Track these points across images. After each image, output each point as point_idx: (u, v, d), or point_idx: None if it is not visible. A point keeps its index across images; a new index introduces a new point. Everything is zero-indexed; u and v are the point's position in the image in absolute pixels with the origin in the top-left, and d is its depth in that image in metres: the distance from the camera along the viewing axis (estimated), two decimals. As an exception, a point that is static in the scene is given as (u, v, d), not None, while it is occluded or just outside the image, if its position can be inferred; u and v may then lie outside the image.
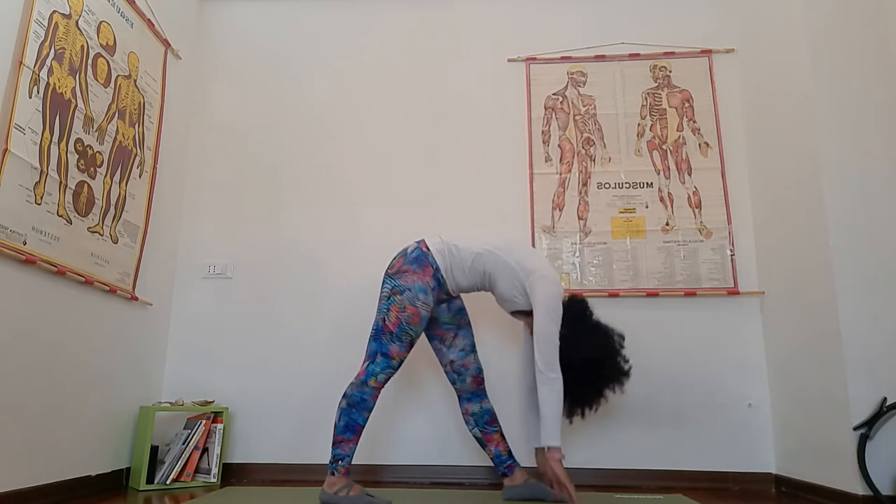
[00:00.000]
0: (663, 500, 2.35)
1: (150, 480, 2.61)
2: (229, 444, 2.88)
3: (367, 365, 2.18)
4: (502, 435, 2.37)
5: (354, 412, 2.15)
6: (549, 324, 2.14)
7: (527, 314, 2.32)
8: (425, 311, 2.20)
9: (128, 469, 2.68)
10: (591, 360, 2.19)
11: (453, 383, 2.37)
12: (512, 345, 2.91)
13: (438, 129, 3.20)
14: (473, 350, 2.39)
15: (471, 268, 2.26)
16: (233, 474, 2.84)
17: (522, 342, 2.50)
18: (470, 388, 2.35)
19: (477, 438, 2.37)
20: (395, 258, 2.29)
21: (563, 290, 2.26)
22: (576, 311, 2.27)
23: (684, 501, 2.34)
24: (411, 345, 2.21)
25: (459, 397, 2.39)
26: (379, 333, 2.20)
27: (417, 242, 2.30)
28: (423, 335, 2.44)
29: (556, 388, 2.10)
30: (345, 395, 2.17)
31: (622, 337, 2.32)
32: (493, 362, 2.89)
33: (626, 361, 2.29)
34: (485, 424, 2.35)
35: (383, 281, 2.27)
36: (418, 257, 2.24)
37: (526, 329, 2.43)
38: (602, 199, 3.05)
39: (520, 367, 2.51)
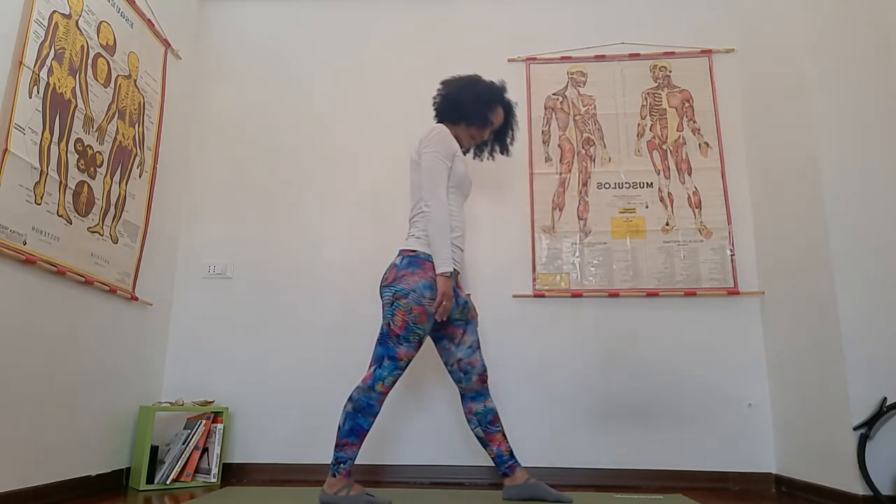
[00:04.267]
0: (663, 500, 2.35)
1: (150, 480, 2.61)
2: (229, 444, 2.88)
3: (374, 369, 2.17)
4: (504, 435, 2.37)
5: (360, 417, 2.14)
6: (427, 155, 2.27)
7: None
8: (432, 307, 2.20)
9: (128, 469, 2.69)
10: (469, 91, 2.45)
11: (458, 382, 2.37)
12: (513, 344, 2.91)
13: (438, 129, 3.19)
14: (479, 347, 2.39)
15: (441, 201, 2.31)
16: (233, 474, 2.84)
17: None
18: (475, 386, 2.35)
19: (479, 438, 2.36)
20: (386, 272, 2.28)
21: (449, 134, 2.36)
22: (441, 110, 2.48)
23: (684, 501, 2.34)
24: (420, 344, 2.20)
25: (463, 396, 2.38)
26: (385, 338, 2.19)
27: (400, 253, 2.28)
28: (428, 337, 2.44)
29: (436, 217, 2.20)
30: (350, 399, 2.17)
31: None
32: (494, 361, 2.89)
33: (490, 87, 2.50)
34: (488, 424, 2.35)
35: (381, 292, 2.26)
36: (412, 261, 2.23)
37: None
38: (602, 199, 3.05)
39: None
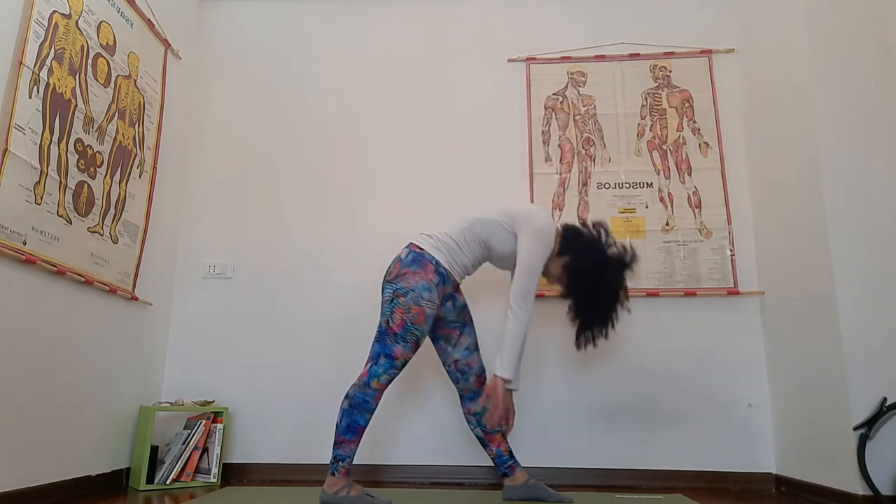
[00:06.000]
0: (663, 500, 2.35)
1: (150, 480, 2.61)
2: (229, 444, 2.88)
3: (370, 366, 2.18)
4: (504, 435, 2.37)
5: (356, 413, 2.14)
6: (534, 256, 2.19)
7: None
8: (430, 309, 2.19)
9: (128, 469, 2.68)
10: (595, 266, 2.26)
11: (456, 382, 2.37)
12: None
13: (438, 128, 3.20)
14: (477, 349, 2.39)
15: (468, 244, 2.28)
16: (233, 474, 2.84)
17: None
18: (473, 387, 2.36)
19: (479, 438, 2.37)
20: (390, 265, 2.29)
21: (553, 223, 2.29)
22: (569, 233, 2.31)
23: (684, 501, 2.34)
24: (417, 345, 2.20)
25: (462, 397, 2.39)
26: (382, 335, 2.19)
27: (408, 247, 2.29)
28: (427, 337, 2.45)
29: (521, 323, 2.16)
30: (347, 396, 2.17)
31: (606, 231, 2.34)
32: (493, 361, 2.89)
33: (625, 249, 2.32)
34: None
35: (383, 288, 2.27)
36: (415, 259, 2.23)
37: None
38: (602, 199, 3.05)
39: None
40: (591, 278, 2.27)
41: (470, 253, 2.30)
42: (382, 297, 2.26)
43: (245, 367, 2.98)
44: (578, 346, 2.38)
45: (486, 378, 2.38)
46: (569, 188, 3.07)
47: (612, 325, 2.34)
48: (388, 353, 2.17)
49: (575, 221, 2.45)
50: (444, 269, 2.25)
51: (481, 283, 3.01)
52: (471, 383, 2.35)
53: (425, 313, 2.18)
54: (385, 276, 2.29)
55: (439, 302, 2.26)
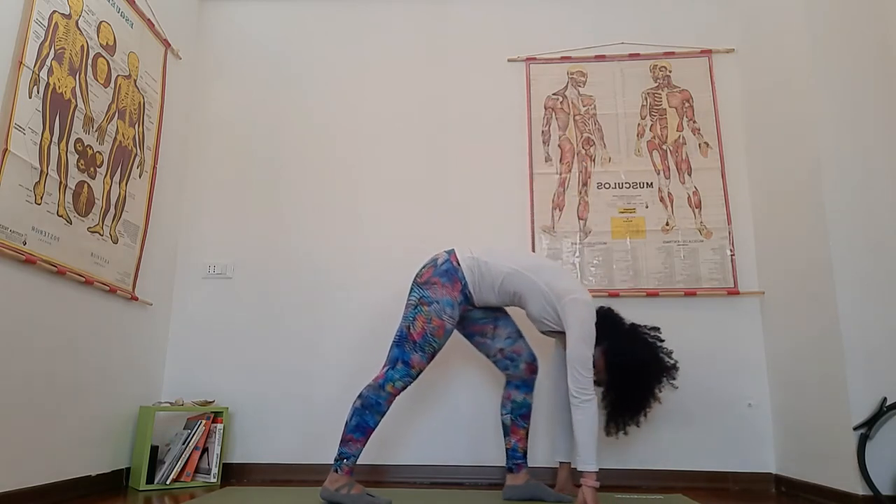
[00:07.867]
0: (663, 500, 2.36)
1: (150, 480, 2.61)
2: (229, 444, 2.88)
3: (387, 370, 2.19)
4: (527, 435, 2.39)
5: (367, 414, 2.16)
6: (582, 348, 2.14)
7: (558, 333, 2.33)
8: (450, 324, 2.21)
9: (128, 469, 2.68)
10: (636, 366, 2.23)
11: (505, 369, 2.38)
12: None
13: (438, 128, 3.20)
14: (521, 336, 2.41)
15: (500, 288, 2.26)
16: (233, 474, 2.84)
17: (551, 359, 2.53)
18: (523, 374, 2.37)
19: (504, 425, 2.38)
20: (424, 266, 2.30)
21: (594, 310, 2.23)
22: (608, 321, 2.27)
23: (684, 501, 2.34)
24: (432, 356, 2.22)
25: (508, 382, 2.40)
26: (402, 340, 2.20)
27: (448, 253, 2.29)
28: (461, 337, 2.48)
29: (591, 413, 2.10)
30: (360, 396, 2.18)
31: (657, 329, 2.37)
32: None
33: (669, 354, 2.34)
34: (519, 416, 2.37)
35: (411, 289, 2.28)
36: (448, 270, 2.24)
37: (557, 345, 2.45)
38: (602, 199, 3.05)
39: (550, 384, 2.54)
40: (632, 372, 2.23)
41: (496, 296, 2.29)
42: (408, 298, 2.27)
43: (245, 367, 2.98)
44: (608, 433, 2.36)
45: (536, 368, 2.39)
46: (569, 188, 3.07)
47: (645, 415, 2.34)
48: (406, 360, 2.18)
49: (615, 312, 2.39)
50: (469, 291, 2.26)
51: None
52: (521, 370, 2.36)
53: (445, 328, 2.20)
54: (417, 275, 2.30)
55: (458, 318, 2.27)
